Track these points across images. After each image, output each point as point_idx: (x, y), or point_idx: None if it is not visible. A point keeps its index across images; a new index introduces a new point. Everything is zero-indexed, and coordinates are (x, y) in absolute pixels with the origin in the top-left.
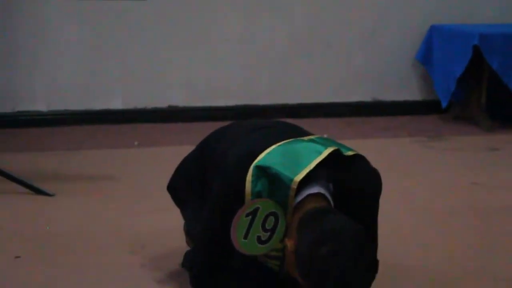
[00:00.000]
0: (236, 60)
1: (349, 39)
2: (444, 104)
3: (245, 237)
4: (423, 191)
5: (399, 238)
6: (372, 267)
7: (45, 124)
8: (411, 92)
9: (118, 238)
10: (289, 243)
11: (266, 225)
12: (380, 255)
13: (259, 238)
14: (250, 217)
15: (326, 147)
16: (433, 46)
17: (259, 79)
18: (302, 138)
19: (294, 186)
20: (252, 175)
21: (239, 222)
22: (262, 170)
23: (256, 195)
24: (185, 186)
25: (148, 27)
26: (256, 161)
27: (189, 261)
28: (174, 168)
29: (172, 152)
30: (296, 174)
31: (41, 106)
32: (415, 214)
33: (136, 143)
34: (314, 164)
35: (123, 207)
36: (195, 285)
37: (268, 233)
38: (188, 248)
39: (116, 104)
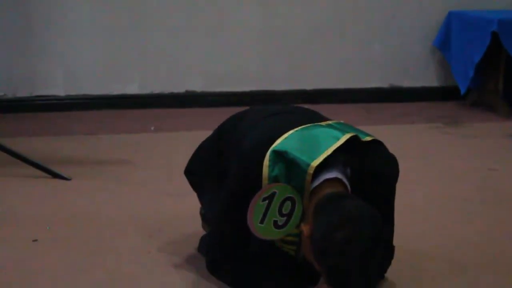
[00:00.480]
0: (254, 46)
1: (367, 25)
2: (462, 91)
3: (262, 221)
4: (440, 177)
5: (415, 224)
6: (388, 253)
7: (62, 108)
8: (429, 78)
9: (134, 222)
10: (305, 228)
11: (283, 210)
12: (396, 241)
13: (275, 222)
14: (267, 201)
15: (344, 133)
16: (451, 32)
17: (277, 64)
18: (320, 123)
19: (310, 171)
20: (269, 160)
21: (256, 207)
22: (279, 155)
23: (273, 179)
24: (202, 171)
25: (167, 12)
26: (273, 146)
27: (205, 246)
28: (191, 153)
29: (188, 137)
30: (313, 159)
31: (58, 90)
32: (431, 200)
33: (152, 128)
34: (332, 150)
35: (140, 191)
36: (212, 269)
37: (285, 218)
38: (204, 233)
39: (133, 88)
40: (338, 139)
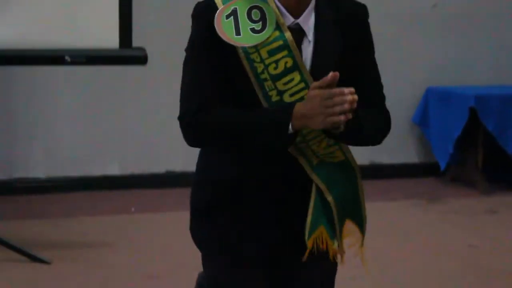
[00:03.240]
0: None
1: None
2: (442, 166)
3: (238, 33)
4: (422, 254)
5: None
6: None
7: (43, 191)
8: (409, 154)
9: None
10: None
11: (253, 17)
12: None
13: (253, 29)
14: (231, 17)
15: None
16: (429, 108)
17: None
18: None
19: None
20: None
21: (223, 25)
22: None
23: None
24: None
25: (145, 92)
26: None
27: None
28: (172, 234)
29: (169, 217)
30: None
31: (38, 173)
32: (414, 277)
33: (132, 209)
34: None
35: (121, 274)
36: (188, 130)
37: (260, 22)
38: None
39: (113, 169)
40: None
